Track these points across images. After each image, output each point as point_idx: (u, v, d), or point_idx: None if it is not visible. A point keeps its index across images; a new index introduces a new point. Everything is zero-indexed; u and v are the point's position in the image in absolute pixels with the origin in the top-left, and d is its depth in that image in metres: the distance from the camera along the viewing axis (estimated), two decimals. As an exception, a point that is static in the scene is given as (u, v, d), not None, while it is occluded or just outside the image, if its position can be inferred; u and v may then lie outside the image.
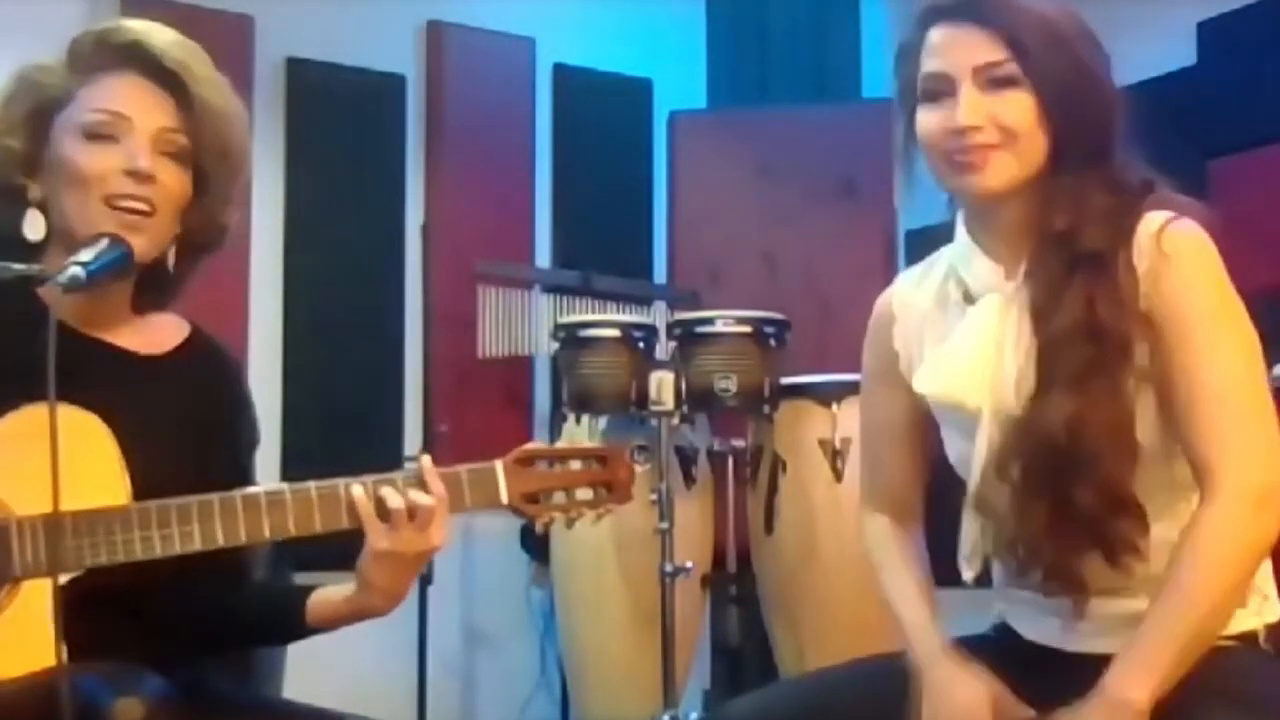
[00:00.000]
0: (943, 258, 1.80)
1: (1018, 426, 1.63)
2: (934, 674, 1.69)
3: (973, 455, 1.68)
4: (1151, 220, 1.62)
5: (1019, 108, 1.61)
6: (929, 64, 1.65)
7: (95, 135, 1.68)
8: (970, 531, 1.71)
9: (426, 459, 1.69)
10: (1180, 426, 1.59)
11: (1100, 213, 1.62)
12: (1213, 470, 1.56)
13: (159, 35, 1.74)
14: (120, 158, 1.67)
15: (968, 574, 1.72)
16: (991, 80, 1.61)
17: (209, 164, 1.74)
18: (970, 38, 1.62)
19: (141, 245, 1.67)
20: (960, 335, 1.70)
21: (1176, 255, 1.60)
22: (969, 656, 1.70)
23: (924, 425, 1.83)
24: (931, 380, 1.72)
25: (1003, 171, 1.62)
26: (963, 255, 1.73)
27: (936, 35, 1.65)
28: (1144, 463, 1.60)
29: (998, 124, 1.61)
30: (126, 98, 1.70)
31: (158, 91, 1.71)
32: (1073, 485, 1.58)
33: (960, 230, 1.75)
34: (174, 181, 1.70)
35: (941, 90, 1.64)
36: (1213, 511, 1.55)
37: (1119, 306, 1.59)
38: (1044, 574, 1.63)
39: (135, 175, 1.67)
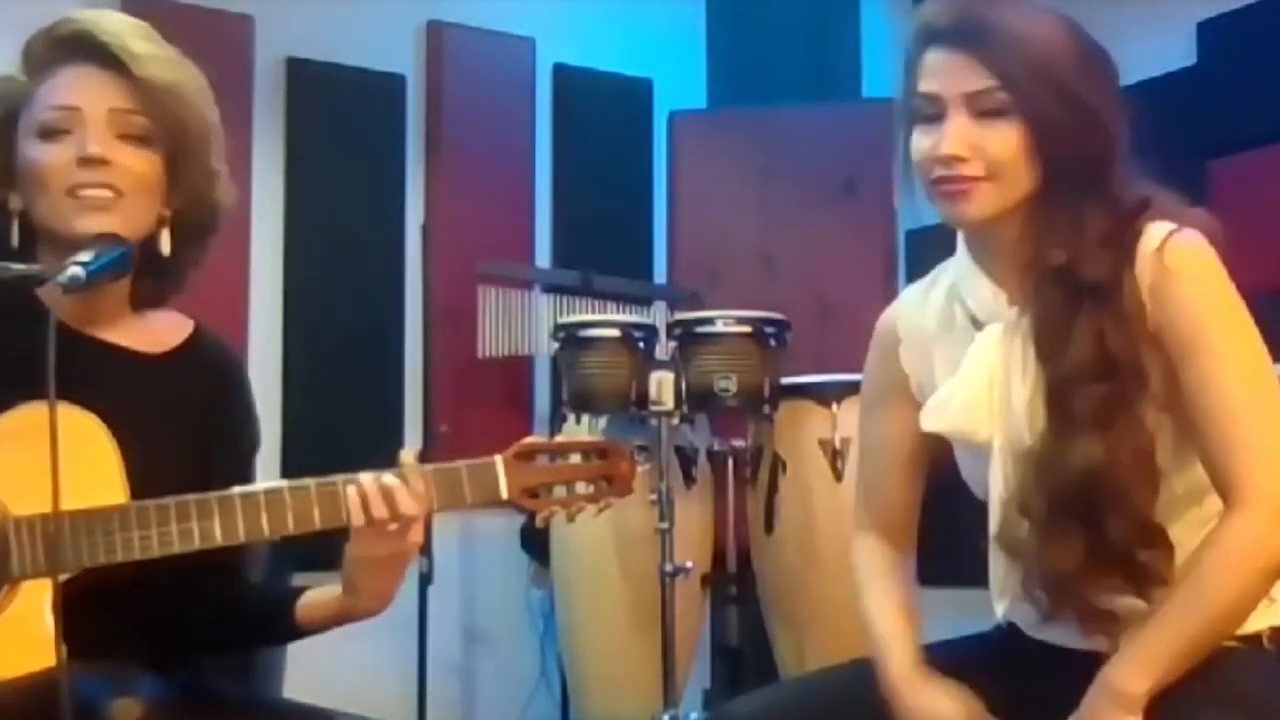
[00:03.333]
0: (945, 274, 1.79)
1: (1037, 464, 1.61)
2: (907, 699, 1.69)
3: (988, 487, 1.67)
4: (1152, 236, 1.60)
5: (1006, 139, 1.60)
6: (922, 84, 1.65)
7: (49, 133, 1.68)
8: (996, 570, 1.70)
9: (408, 455, 1.68)
10: (1199, 439, 1.59)
11: (1099, 239, 1.61)
12: (1237, 482, 1.56)
13: (101, 20, 1.73)
14: (74, 148, 1.66)
15: (999, 610, 1.72)
16: (980, 109, 1.61)
17: (171, 140, 1.72)
18: (962, 63, 1.61)
19: (115, 225, 1.66)
20: (965, 367, 1.68)
21: (1179, 269, 1.58)
22: (944, 677, 1.70)
23: (927, 448, 1.82)
24: (939, 417, 1.71)
25: (986, 204, 1.62)
26: (965, 277, 1.73)
27: (930, 57, 1.64)
28: (1164, 483, 1.60)
29: (984, 156, 1.60)
30: (74, 89, 1.69)
31: (107, 76, 1.69)
32: (1103, 521, 1.57)
33: (961, 248, 1.74)
34: (135, 163, 1.69)
35: (932, 112, 1.63)
36: (1239, 522, 1.55)
37: (1129, 335, 1.58)
38: (1078, 617, 1.62)
39: (88, 162, 1.65)
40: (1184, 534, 1.60)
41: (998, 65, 1.60)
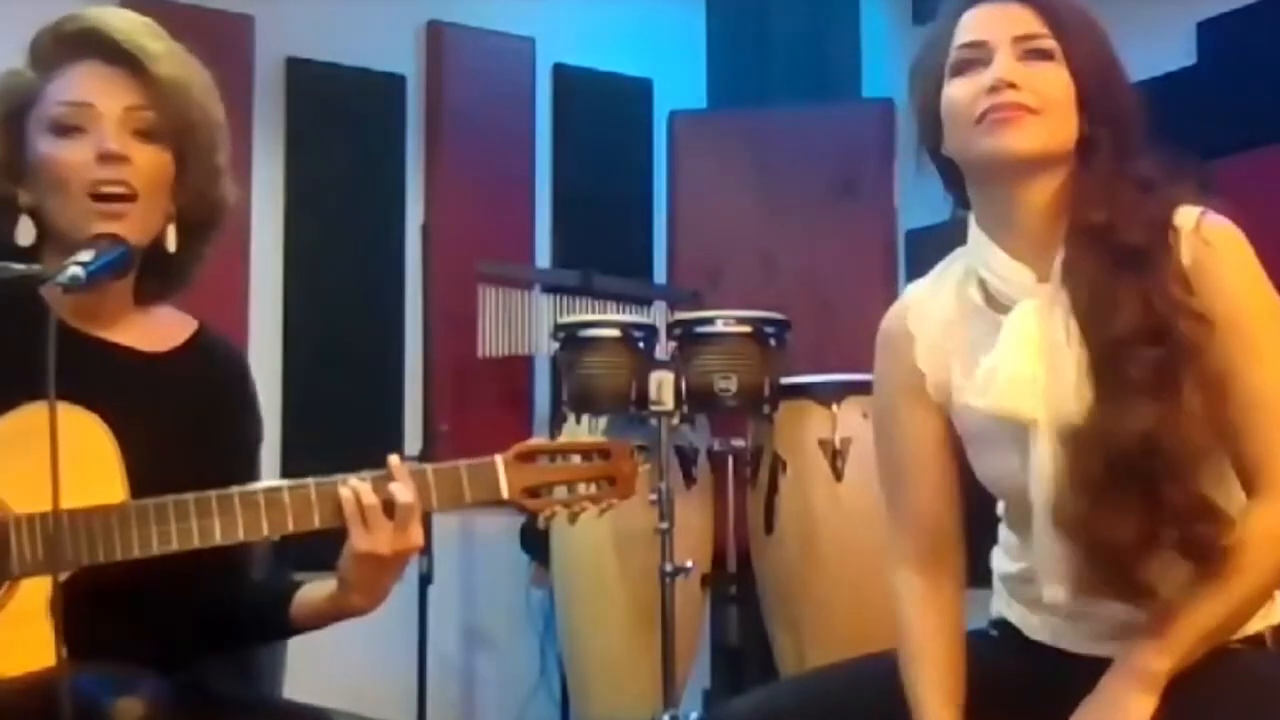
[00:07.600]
0: (954, 265, 1.74)
1: (1088, 437, 1.55)
2: None
3: (1028, 470, 1.60)
4: (1186, 215, 1.60)
5: (1055, 78, 1.60)
6: (965, 36, 1.64)
7: (63, 129, 1.68)
8: (1050, 552, 1.60)
9: (394, 458, 1.67)
10: (1224, 421, 1.57)
11: (1133, 207, 1.59)
12: (1261, 469, 1.56)
13: (111, 18, 1.74)
14: (91, 146, 1.67)
15: (1057, 596, 1.61)
16: (1029, 52, 1.61)
17: (181, 137, 1.73)
18: (1013, 12, 1.63)
19: (129, 231, 1.66)
20: (1004, 344, 1.61)
21: (1219, 245, 1.58)
22: None
23: (953, 451, 1.74)
24: (982, 394, 1.63)
25: (1033, 136, 1.59)
26: (981, 257, 1.67)
27: (975, 12, 1.65)
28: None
29: (1035, 88, 1.59)
30: (87, 86, 1.70)
31: (118, 73, 1.70)
32: (1161, 492, 1.52)
33: (974, 231, 1.68)
34: (149, 160, 1.69)
35: (976, 60, 1.62)
36: (1266, 512, 1.55)
37: (1175, 302, 1.55)
38: (1129, 591, 1.55)
39: (107, 158, 1.66)
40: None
41: (1047, 14, 1.61)
